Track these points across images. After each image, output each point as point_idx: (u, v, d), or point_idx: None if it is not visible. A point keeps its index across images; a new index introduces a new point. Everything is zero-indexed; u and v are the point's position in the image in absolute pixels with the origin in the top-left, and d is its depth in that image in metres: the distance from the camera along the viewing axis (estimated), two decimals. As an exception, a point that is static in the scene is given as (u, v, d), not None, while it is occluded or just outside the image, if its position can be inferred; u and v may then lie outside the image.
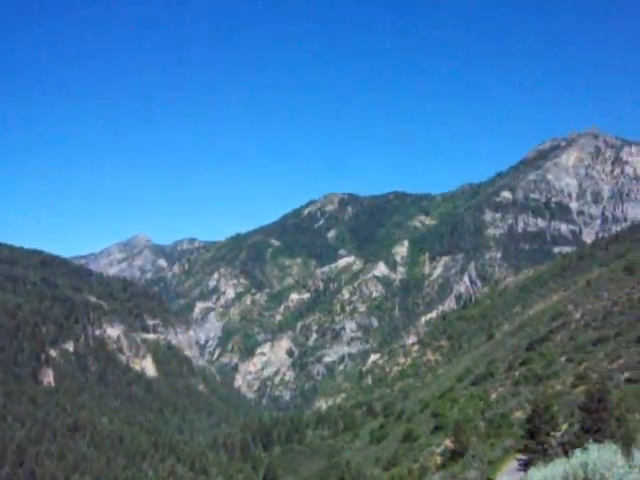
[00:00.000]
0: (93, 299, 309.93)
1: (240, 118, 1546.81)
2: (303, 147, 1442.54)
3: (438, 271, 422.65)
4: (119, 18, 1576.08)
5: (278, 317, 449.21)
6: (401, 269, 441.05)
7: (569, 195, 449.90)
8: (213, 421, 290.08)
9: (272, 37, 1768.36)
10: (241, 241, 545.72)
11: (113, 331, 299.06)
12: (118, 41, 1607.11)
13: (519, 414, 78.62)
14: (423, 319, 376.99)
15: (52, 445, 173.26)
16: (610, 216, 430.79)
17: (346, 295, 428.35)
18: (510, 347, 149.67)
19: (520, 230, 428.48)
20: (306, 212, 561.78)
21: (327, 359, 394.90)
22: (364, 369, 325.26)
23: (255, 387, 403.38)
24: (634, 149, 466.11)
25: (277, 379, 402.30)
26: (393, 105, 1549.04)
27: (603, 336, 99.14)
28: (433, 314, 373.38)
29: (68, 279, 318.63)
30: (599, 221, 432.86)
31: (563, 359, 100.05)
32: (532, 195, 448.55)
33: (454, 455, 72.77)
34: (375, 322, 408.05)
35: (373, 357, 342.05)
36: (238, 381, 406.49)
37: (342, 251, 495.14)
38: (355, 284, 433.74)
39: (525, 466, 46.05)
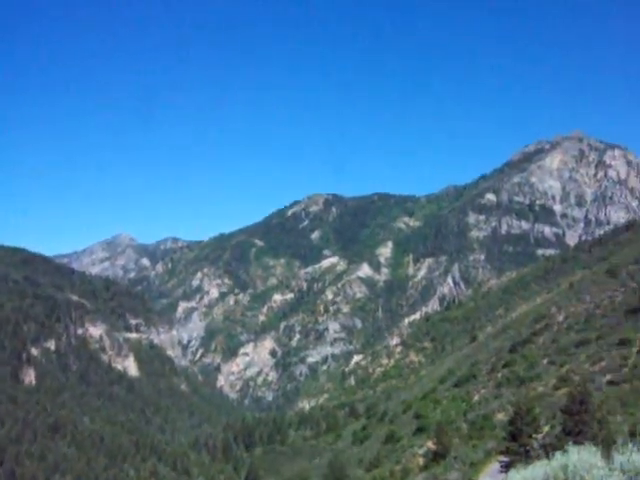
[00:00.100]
0: (75, 298, 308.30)
1: (225, 119, 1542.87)
2: (288, 148, 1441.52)
3: (422, 272, 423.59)
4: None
5: (261, 317, 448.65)
6: (385, 270, 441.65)
7: (553, 198, 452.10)
8: (195, 421, 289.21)
9: (254, 37, 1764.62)
10: (225, 241, 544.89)
11: (95, 330, 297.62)
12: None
13: (501, 416, 78.70)
14: (406, 320, 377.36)
15: (32, 445, 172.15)
16: (593, 219, 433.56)
17: (330, 296, 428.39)
18: (493, 349, 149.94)
19: (504, 232, 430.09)
20: (290, 212, 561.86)
21: (310, 360, 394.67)
22: (347, 370, 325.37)
23: (238, 387, 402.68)
24: (617, 153, 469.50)
25: (260, 379, 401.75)
26: (378, 106, 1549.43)
27: (585, 339, 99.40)
28: (416, 315, 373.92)
29: (50, 277, 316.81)
30: (582, 224, 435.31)
31: (545, 361, 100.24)
32: (516, 198, 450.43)
33: (436, 456, 72.70)
34: (358, 323, 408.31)
35: (356, 358, 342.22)
36: (221, 381, 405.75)
37: (326, 252, 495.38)
38: (339, 285, 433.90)
39: (507, 468, 45.97)
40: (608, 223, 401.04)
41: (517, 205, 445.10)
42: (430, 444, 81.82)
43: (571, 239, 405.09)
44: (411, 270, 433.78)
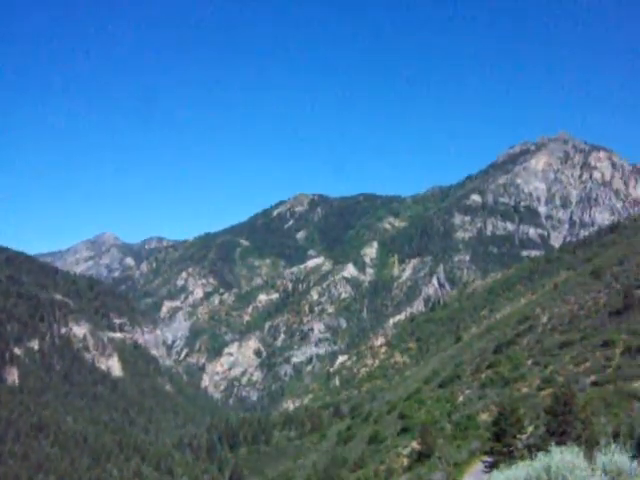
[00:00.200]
0: (59, 297, 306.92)
1: (209, 119, 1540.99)
2: (273, 147, 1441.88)
3: (407, 273, 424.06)
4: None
5: (246, 317, 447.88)
6: (370, 271, 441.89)
7: (538, 199, 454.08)
8: (179, 421, 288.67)
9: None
10: (210, 241, 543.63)
11: (79, 330, 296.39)
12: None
13: (485, 416, 78.82)
14: (391, 321, 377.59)
15: (16, 445, 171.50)
16: (578, 220, 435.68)
17: (315, 296, 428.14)
18: (477, 350, 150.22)
19: (489, 233, 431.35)
20: (276, 212, 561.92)
21: (295, 360, 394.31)
22: (332, 370, 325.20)
23: (222, 387, 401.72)
24: (602, 154, 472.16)
25: (244, 379, 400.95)
26: (363, 107, 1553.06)
27: (569, 340, 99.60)
28: (401, 316, 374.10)
29: (34, 277, 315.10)
30: (567, 225, 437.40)
31: (530, 362, 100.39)
32: (501, 199, 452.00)
33: (420, 457, 72.74)
34: (343, 323, 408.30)
35: (341, 358, 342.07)
36: (205, 381, 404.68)
37: (311, 252, 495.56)
38: (324, 285, 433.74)
39: (491, 468, 46.04)
40: (593, 225, 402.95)
41: (502, 206, 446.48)
42: (414, 444, 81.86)
43: (556, 240, 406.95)
44: (396, 271, 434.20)
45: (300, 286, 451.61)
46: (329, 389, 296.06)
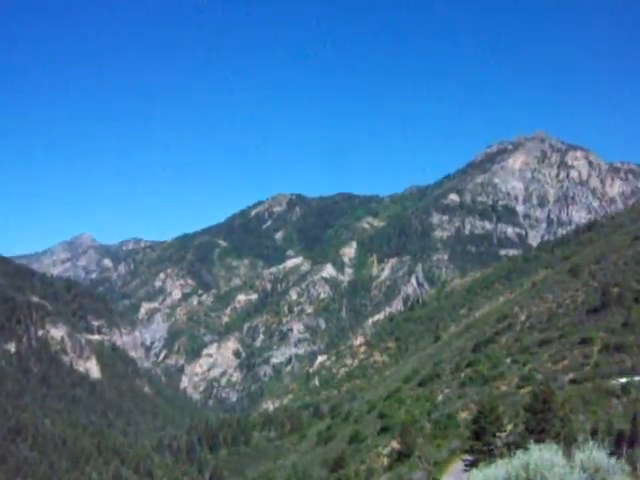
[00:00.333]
0: (36, 299, 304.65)
1: (187, 119, 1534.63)
2: (250, 147, 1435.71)
3: (386, 273, 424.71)
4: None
5: (225, 318, 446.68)
6: (349, 270, 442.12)
7: (515, 198, 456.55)
8: (158, 423, 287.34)
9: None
10: (188, 241, 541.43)
11: (56, 332, 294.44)
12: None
13: (465, 415, 79.14)
14: (370, 320, 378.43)
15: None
16: (555, 219, 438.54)
17: (294, 296, 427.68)
18: (456, 348, 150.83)
19: (467, 232, 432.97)
20: (254, 213, 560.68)
21: (274, 360, 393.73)
22: (311, 370, 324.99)
23: (201, 388, 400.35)
24: (579, 153, 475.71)
25: (224, 380, 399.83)
26: (339, 106, 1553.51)
27: (548, 338, 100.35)
28: (380, 315, 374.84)
29: (10, 279, 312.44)
30: (544, 224, 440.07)
31: (508, 360, 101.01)
32: (479, 198, 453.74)
33: (400, 456, 72.85)
34: (322, 323, 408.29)
35: (320, 358, 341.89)
36: (184, 382, 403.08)
37: (290, 252, 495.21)
38: (303, 285, 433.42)
39: (471, 466, 46.08)
40: (570, 223, 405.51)
41: (480, 205, 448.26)
42: (394, 444, 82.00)
43: (533, 239, 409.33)
44: (375, 270, 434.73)
45: (279, 286, 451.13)
46: (309, 389, 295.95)
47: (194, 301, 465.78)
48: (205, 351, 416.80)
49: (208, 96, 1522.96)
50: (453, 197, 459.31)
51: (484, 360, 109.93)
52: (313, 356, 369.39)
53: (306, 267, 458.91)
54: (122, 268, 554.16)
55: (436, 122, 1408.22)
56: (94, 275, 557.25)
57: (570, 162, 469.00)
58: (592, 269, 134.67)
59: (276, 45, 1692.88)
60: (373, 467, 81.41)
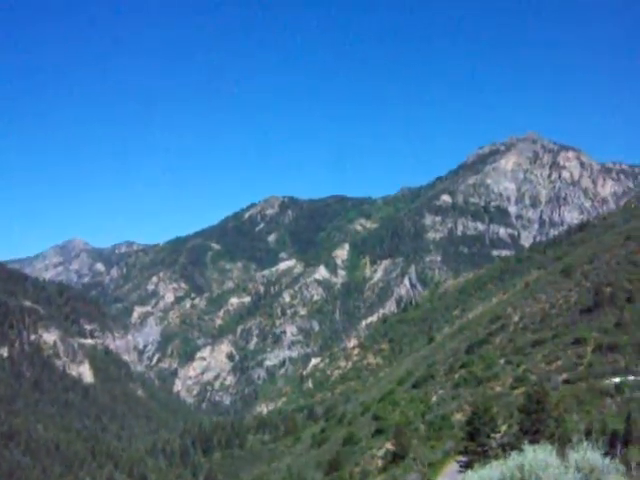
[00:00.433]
0: (28, 304, 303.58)
1: (178, 121, 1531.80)
2: (243, 149, 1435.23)
3: (379, 274, 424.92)
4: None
5: (218, 321, 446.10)
6: (342, 272, 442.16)
7: (508, 199, 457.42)
8: (152, 427, 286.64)
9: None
10: (181, 244, 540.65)
11: (49, 336, 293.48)
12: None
13: (459, 416, 79.17)
14: (364, 322, 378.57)
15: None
16: (547, 220, 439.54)
17: (287, 299, 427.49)
18: (450, 350, 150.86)
19: (459, 234, 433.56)
20: (247, 215, 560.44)
21: (268, 363, 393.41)
22: (305, 373, 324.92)
23: (195, 392, 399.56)
24: (571, 154, 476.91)
25: (217, 384, 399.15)
26: (332, 110, 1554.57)
27: (541, 338, 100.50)
28: (374, 317, 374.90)
29: (2, 283, 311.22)
30: (537, 225, 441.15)
31: (502, 361, 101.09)
32: (471, 199, 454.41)
33: (395, 458, 72.81)
34: (316, 326, 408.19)
35: (314, 361, 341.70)
36: (177, 386, 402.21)
37: (283, 254, 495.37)
38: (296, 288, 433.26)
39: (465, 468, 46.07)
40: (562, 224, 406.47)
41: (472, 206, 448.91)
42: (389, 445, 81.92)
43: (526, 240, 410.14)
44: (368, 272, 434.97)
45: (272, 289, 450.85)
46: (302, 392, 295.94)
47: (187, 304, 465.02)
48: (198, 354, 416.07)
49: (206, 99, 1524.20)
50: (445, 198, 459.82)
51: (478, 361, 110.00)
52: (307, 358, 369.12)
53: (299, 269, 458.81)
54: (115, 272, 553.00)
55: (428, 124, 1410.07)
56: (86, 279, 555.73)
57: (562, 163, 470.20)
58: (584, 269, 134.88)
59: (276, 48, 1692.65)
60: (368, 469, 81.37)
